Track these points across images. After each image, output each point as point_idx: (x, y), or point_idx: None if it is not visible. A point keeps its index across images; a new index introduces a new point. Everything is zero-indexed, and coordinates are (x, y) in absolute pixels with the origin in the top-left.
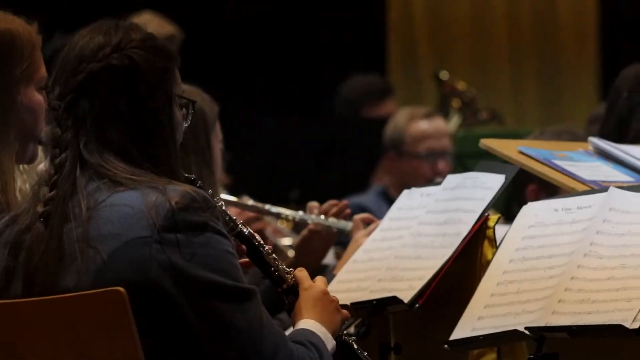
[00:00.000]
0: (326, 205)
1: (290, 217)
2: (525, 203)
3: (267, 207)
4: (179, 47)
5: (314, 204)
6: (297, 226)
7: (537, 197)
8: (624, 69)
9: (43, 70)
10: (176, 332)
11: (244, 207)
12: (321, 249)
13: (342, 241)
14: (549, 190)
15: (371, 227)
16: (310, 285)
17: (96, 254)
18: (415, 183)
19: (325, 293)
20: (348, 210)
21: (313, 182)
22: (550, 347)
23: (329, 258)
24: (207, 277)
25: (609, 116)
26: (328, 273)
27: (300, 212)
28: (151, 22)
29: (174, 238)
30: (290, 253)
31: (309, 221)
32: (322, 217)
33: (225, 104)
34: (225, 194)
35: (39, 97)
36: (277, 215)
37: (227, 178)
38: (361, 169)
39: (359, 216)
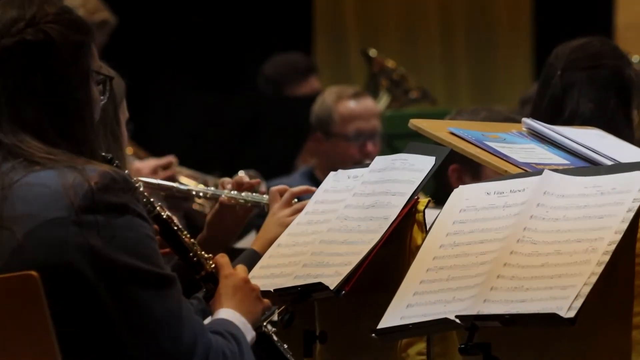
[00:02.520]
0: (238, 178)
1: (202, 194)
2: (447, 183)
3: (177, 185)
4: (111, 33)
5: (226, 179)
6: None
7: (459, 177)
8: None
9: None
10: (92, 318)
11: (153, 186)
12: (233, 224)
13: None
14: (471, 170)
15: (286, 196)
16: (230, 272)
17: (10, 235)
18: (343, 165)
19: (246, 281)
20: (263, 189)
21: (235, 162)
22: (482, 337)
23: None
24: (126, 262)
25: (542, 96)
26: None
27: (212, 188)
28: (85, 4)
29: (92, 219)
30: None
31: (223, 196)
32: (235, 192)
33: (147, 81)
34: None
35: None
36: (188, 193)
37: (144, 153)
38: (286, 149)
39: (275, 188)
